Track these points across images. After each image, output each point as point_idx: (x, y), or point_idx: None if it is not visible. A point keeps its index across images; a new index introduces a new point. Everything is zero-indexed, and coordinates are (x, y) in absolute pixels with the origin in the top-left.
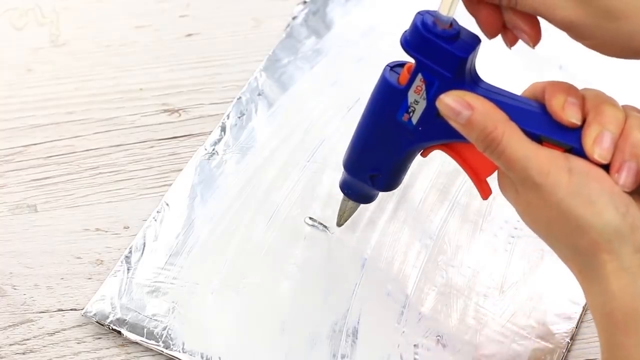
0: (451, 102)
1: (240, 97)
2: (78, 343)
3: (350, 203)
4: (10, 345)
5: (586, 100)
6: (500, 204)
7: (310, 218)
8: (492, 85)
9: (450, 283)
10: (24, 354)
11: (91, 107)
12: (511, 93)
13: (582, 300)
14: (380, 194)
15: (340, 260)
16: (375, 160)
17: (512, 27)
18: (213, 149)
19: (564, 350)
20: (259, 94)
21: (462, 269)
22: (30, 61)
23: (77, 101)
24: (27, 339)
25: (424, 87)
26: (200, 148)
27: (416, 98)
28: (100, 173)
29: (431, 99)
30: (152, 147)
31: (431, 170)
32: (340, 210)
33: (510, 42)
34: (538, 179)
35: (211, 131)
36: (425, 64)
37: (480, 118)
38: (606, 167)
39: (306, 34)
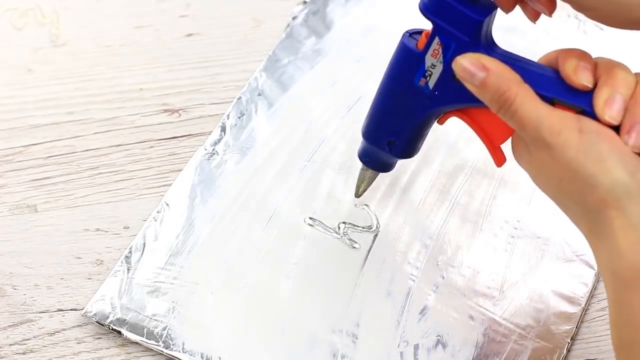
0: (467, 63)
1: (240, 97)
2: (78, 343)
3: (369, 172)
4: (10, 345)
5: (598, 66)
6: (500, 204)
7: (311, 218)
8: (507, 51)
9: (450, 283)
10: (24, 354)
11: (91, 107)
12: (526, 59)
13: (582, 301)
14: (397, 165)
15: (340, 260)
16: (393, 126)
17: None
18: (213, 149)
19: (564, 350)
20: (259, 94)
21: (462, 269)
22: (30, 61)
23: (77, 101)
24: (27, 339)
25: (440, 50)
26: (200, 148)
27: (433, 62)
28: (100, 173)
29: (447, 62)
30: (152, 147)
31: (431, 170)
32: (358, 180)
33: (533, 16)
34: (549, 139)
35: (211, 131)
36: (443, 27)
37: (494, 79)
38: (617, 130)
39: (306, 34)
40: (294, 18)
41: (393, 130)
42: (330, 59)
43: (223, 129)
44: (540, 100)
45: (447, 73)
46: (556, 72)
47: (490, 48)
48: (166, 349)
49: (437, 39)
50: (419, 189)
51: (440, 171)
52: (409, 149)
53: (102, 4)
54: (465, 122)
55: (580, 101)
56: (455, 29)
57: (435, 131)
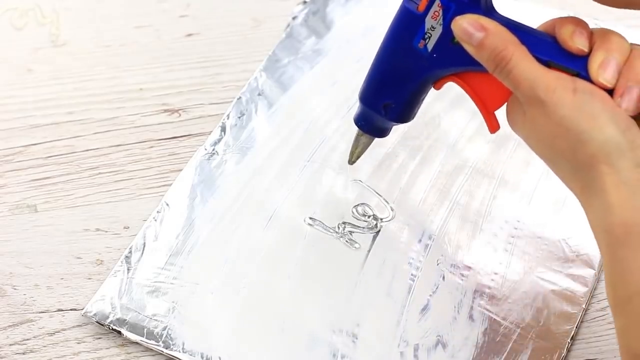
0: (465, 24)
1: (240, 97)
2: (78, 343)
3: (364, 138)
4: (11, 345)
5: (594, 33)
6: (500, 204)
7: (311, 218)
8: (505, 17)
9: (450, 283)
10: (24, 354)
11: (91, 107)
12: (523, 24)
13: (583, 301)
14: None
15: (340, 260)
16: (390, 88)
17: None
18: (213, 149)
19: (564, 350)
20: (259, 94)
21: (462, 269)
22: (30, 61)
23: (77, 101)
24: (27, 339)
25: (441, 12)
26: (200, 148)
27: (433, 24)
28: (100, 173)
29: (447, 24)
30: (152, 147)
31: (431, 170)
32: (352, 146)
33: None
34: (544, 96)
35: (211, 131)
36: None
37: (492, 39)
38: (610, 94)
39: (306, 34)
40: (294, 18)
41: (390, 93)
42: (330, 59)
43: (223, 129)
44: (535, 61)
45: (446, 35)
46: (553, 38)
47: (489, 12)
48: (166, 349)
49: (437, 1)
50: (419, 189)
51: (440, 171)
52: (404, 113)
53: (102, 4)
54: (462, 87)
55: (575, 65)
56: None
57: (436, 131)
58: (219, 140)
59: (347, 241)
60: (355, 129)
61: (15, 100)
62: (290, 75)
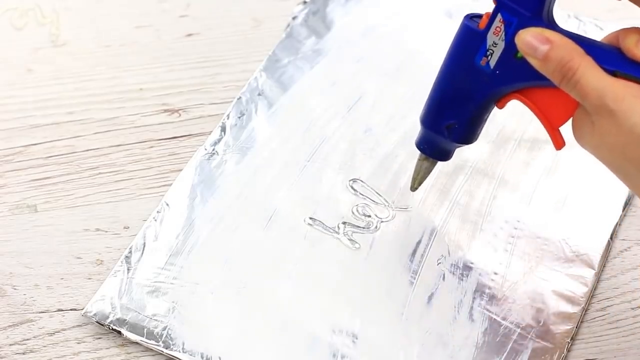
0: (530, 37)
1: (240, 97)
2: (78, 343)
3: (426, 163)
4: (10, 345)
5: None
6: (500, 204)
7: (311, 218)
8: (567, 30)
9: (450, 283)
10: (24, 354)
11: (91, 107)
12: (587, 37)
13: (583, 301)
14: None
15: (340, 260)
16: (452, 109)
17: None
18: (213, 149)
19: (564, 350)
20: (259, 94)
21: (462, 269)
22: (30, 61)
23: (77, 101)
24: (27, 339)
25: (503, 27)
26: (200, 148)
27: (495, 40)
28: (100, 173)
29: (509, 39)
30: (152, 147)
31: None
32: (415, 172)
33: None
34: (613, 105)
35: (211, 131)
36: (506, 3)
37: (557, 51)
38: None
39: (306, 34)
40: (294, 18)
41: (452, 113)
42: (330, 59)
43: (223, 129)
44: (602, 71)
45: (509, 51)
46: (617, 48)
47: (551, 25)
48: (166, 349)
49: (499, 16)
50: (419, 189)
51: (440, 171)
52: (468, 133)
53: (102, 4)
54: (525, 104)
55: None
56: (518, 4)
57: None
58: (219, 140)
59: (347, 241)
60: (417, 153)
61: (15, 100)
62: (290, 75)
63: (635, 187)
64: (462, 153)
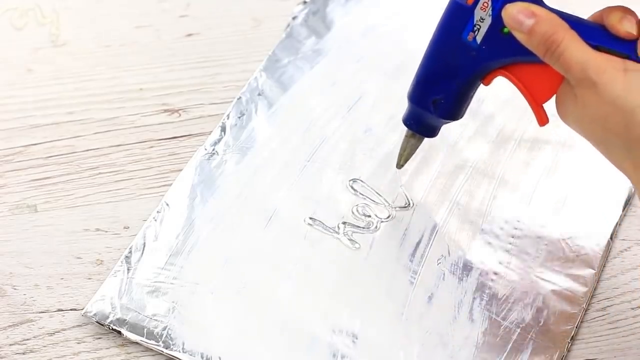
0: (516, 11)
1: (240, 97)
2: (78, 343)
3: (413, 139)
4: (11, 345)
5: None
6: (500, 204)
7: (311, 218)
8: (554, 8)
9: (450, 283)
10: (24, 354)
11: (91, 107)
12: (572, 15)
13: (583, 301)
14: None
15: (340, 260)
16: (439, 84)
17: None
18: (213, 149)
19: (564, 350)
20: (259, 94)
21: (462, 269)
22: (30, 61)
23: (77, 101)
24: (27, 339)
25: (490, 3)
26: (200, 148)
27: (482, 15)
28: (100, 173)
29: (496, 14)
30: (152, 147)
31: (431, 170)
32: (401, 148)
33: None
34: (595, 77)
35: (211, 131)
36: None
37: (542, 25)
38: None
39: (306, 34)
40: (294, 18)
41: (439, 88)
42: (330, 59)
43: (223, 129)
44: (586, 44)
45: (496, 26)
46: (601, 25)
47: (537, 1)
48: (166, 349)
49: None
50: (419, 189)
51: (440, 171)
52: (454, 109)
53: (102, 4)
54: (510, 80)
55: (624, 48)
56: None
57: None
58: (219, 140)
59: (347, 241)
60: (403, 130)
61: (15, 100)
62: (290, 75)
63: (616, 160)
64: (462, 153)
